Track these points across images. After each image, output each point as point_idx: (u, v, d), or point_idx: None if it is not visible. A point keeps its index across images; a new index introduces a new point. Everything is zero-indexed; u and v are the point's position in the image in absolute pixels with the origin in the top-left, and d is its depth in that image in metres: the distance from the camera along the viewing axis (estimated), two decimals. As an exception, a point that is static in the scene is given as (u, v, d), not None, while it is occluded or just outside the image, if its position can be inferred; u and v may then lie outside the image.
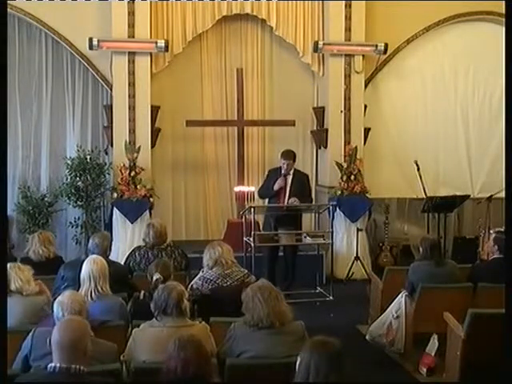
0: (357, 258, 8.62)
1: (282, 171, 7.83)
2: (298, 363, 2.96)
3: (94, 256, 4.96)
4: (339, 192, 8.87)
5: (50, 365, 3.10)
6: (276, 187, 7.80)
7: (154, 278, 4.73)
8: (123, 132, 8.70)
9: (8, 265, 4.64)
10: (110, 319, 4.38)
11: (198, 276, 5.30)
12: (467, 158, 9.86)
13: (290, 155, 7.89)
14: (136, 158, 8.49)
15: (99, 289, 4.61)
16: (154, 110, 8.95)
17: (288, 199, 7.79)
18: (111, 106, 8.84)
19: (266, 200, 8.24)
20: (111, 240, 6.36)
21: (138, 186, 8.44)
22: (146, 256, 5.95)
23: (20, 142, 9.13)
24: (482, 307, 4.96)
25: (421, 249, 5.89)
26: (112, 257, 6.21)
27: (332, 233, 7.91)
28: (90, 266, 4.67)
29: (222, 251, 5.27)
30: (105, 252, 5.56)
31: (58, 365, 3.08)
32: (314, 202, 8.50)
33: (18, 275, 4.60)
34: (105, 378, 3.40)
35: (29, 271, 4.72)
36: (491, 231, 7.28)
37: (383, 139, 9.61)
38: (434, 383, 5.26)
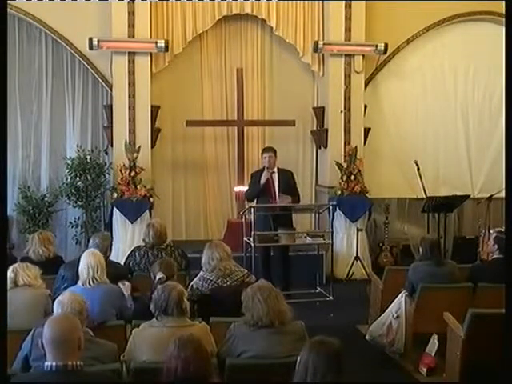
0: (357, 258, 8.62)
1: (266, 165, 7.73)
2: (297, 363, 2.96)
3: (91, 249, 5.11)
4: (339, 192, 8.87)
5: (46, 364, 3.09)
6: (262, 180, 7.66)
7: (157, 278, 4.73)
8: (123, 132, 8.70)
9: (16, 264, 4.84)
10: (108, 306, 4.53)
11: (198, 276, 5.30)
12: (467, 158, 9.86)
13: (271, 149, 7.88)
14: (136, 158, 8.49)
15: (97, 278, 4.77)
16: (154, 110, 8.95)
17: (278, 197, 7.73)
18: (111, 106, 8.84)
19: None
20: (111, 240, 6.36)
21: (138, 186, 8.44)
22: (146, 256, 5.96)
23: (20, 142, 9.13)
24: (482, 307, 4.95)
25: (421, 249, 5.88)
26: (112, 257, 6.21)
27: (332, 233, 7.91)
28: (88, 258, 4.85)
29: (221, 258, 5.25)
30: (105, 252, 5.57)
31: (54, 363, 3.06)
32: (301, 197, 8.37)
33: (26, 272, 4.76)
34: (103, 372, 3.42)
35: (36, 269, 4.88)
36: (491, 231, 7.26)
37: (383, 139, 9.61)
38: (434, 383, 5.27)
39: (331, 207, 8.12)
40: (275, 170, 7.81)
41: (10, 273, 4.70)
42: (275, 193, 7.76)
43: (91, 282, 4.76)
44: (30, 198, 8.74)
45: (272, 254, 7.82)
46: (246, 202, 8.30)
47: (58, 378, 3.05)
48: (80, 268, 4.85)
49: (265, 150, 7.94)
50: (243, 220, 7.77)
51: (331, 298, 7.73)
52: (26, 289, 4.71)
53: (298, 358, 2.97)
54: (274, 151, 7.86)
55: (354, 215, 8.86)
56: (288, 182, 7.83)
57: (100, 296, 4.64)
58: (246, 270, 5.47)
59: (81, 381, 3.11)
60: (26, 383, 3.22)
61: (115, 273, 5.21)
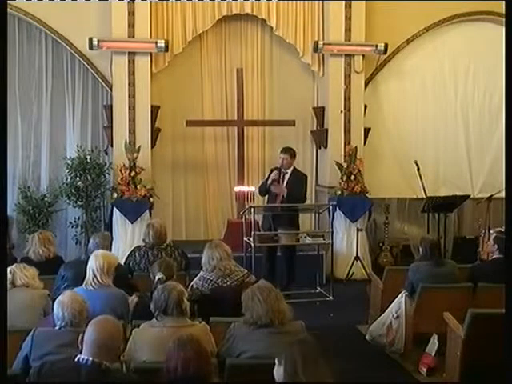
0: (357, 258, 8.62)
1: (279, 166, 7.87)
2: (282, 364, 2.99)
3: (99, 251, 5.06)
4: (339, 192, 8.87)
5: (82, 357, 3.16)
6: (269, 180, 7.82)
7: (157, 278, 4.73)
8: (123, 132, 8.70)
9: (14, 265, 4.84)
10: (109, 310, 4.48)
11: (198, 276, 5.30)
12: (467, 158, 9.85)
13: (288, 150, 7.95)
14: (136, 158, 8.49)
15: (99, 280, 4.74)
16: (154, 110, 8.95)
17: (283, 197, 7.80)
18: (111, 106, 8.84)
19: (265, 198, 8.24)
20: (111, 240, 6.37)
21: (138, 186, 8.43)
22: (146, 256, 5.96)
23: (20, 142, 9.13)
24: (482, 307, 4.96)
25: (421, 249, 5.89)
26: (112, 257, 6.22)
27: (332, 233, 7.92)
28: (97, 257, 4.83)
29: (220, 258, 5.25)
30: (105, 252, 5.57)
31: (90, 358, 3.14)
32: (308, 203, 8.46)
33: (24, 272, 4.76)
34: (130, 375, 3.47)
35: (34, 270, 4.88)
36: (491, 231, 7.27)
37: (383, 139, 9.61)
38: (434, 383, 5.27)
39: (331, 207, 8.13)
40: (289, 170, 7.89)
41: (7, 274, 4.69)
42: (280, 194, 7.83)
43: (93, 284, 4.73)
44: (29, 198, 8.75)
45: (279, 253, 7.90)
46: (246, 203, 8.30)
47: (90, 373, 3.12)
48: (88, 266, 4.84)
49: (282, 150, 8.00)
50: (243, 220, 7.77)
51: (331, 298, 7.73)
52: (23, 289, 4.70)
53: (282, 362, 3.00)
54: (291, 153, 7.92)
55: (354, 215, 8.86)
56: (296, 184, 7.86)
57: (101, 299, 4.60)
58: (245, 270, 5.48)
59: (110, 381, 3.17)
60: (59, 370, 3.25)
61: (115, 273, 5.20)
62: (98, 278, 4.74)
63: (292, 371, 2.93)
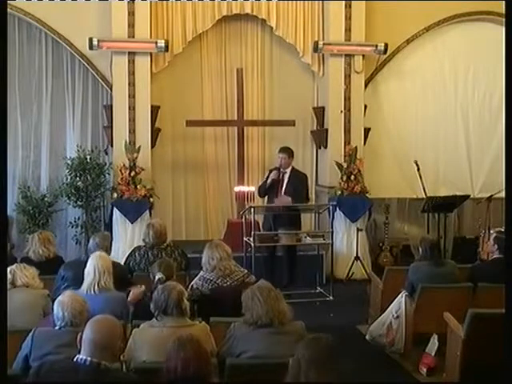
0: (357, 258, 8.62)
1: (278, 165, 7.95)
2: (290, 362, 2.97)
3: (100, 252, 5.03)
4: (339, 192, 8.87)
5: (80, 356, 3.14)
6: (269, 180, 7.91)
7: (156, 278, 4.73)
8: (123, 132, 8.70)
9: (14, 265, 4.85)
10: (110, 312, 4.44)
11: (198, 276, 5.31)
12: (467, 158, 9.86)
13: (286, 150, 8.04)
14: (136, 158, 8.49)
15: (102, 284, 4.71)
16: (154, 110, 8.95)
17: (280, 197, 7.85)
18: (111, 106, 8.84)
19: (266, 199, 8.27)
20: (111, 240, 6.36)
21: (138, 186, 8.43)
22: (146, 256, 5.96)
23: (20, 142, 9.12)
24: (482, 307, 4.96)
25: (420, 249, 5.88)
26: (112, 257, 6.20)
27: (332, 233, 7.92)
28: (96, 260, 4.79)
29: (220, 258, 5.26)
30: (105, 252, 5.56)
31: (88, 358, 3.11)
32: (310, 202, 8.50)
33: (24, 272, 4.77)
34: (129, 375, 3.46)
35: (33, 270, 4.89)
36: (491, 231, 7.28)
37: (383, 139, 9.61)
38: (434, 383, 5.27)
39: (331, 207, 8.13)
40: (287, 170, 7.93)
41: (7, 274, 4.69)
42: (280, 193, 7.89)
43: (95, 288, 4.69)
44: (29, 198, 8.74)
45: (279, 253, 7.94)
46: (246, 203, 8.30)
47: (88, 373, 3.09)
48: (86, 270, 4.80)
49: (280, 150, 8.10)
50: (243, 220, 7.77)
51: (331, 298, 7.73)
52: (23, 289, 4.71)
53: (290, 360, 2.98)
54: (289, 152, 8.01)
55: (353, 215, 8.86)
56: (296, 184, 7.91)
57: (101, 302, 4.57)
58: (245, 270, 5.49)
59: (109, 381, 3.15)
60: (57, 370, 3.23)
61: (115, 273, 5.19)
62: (102, 281, 4.71)
63: (294, 372, 2.93)
